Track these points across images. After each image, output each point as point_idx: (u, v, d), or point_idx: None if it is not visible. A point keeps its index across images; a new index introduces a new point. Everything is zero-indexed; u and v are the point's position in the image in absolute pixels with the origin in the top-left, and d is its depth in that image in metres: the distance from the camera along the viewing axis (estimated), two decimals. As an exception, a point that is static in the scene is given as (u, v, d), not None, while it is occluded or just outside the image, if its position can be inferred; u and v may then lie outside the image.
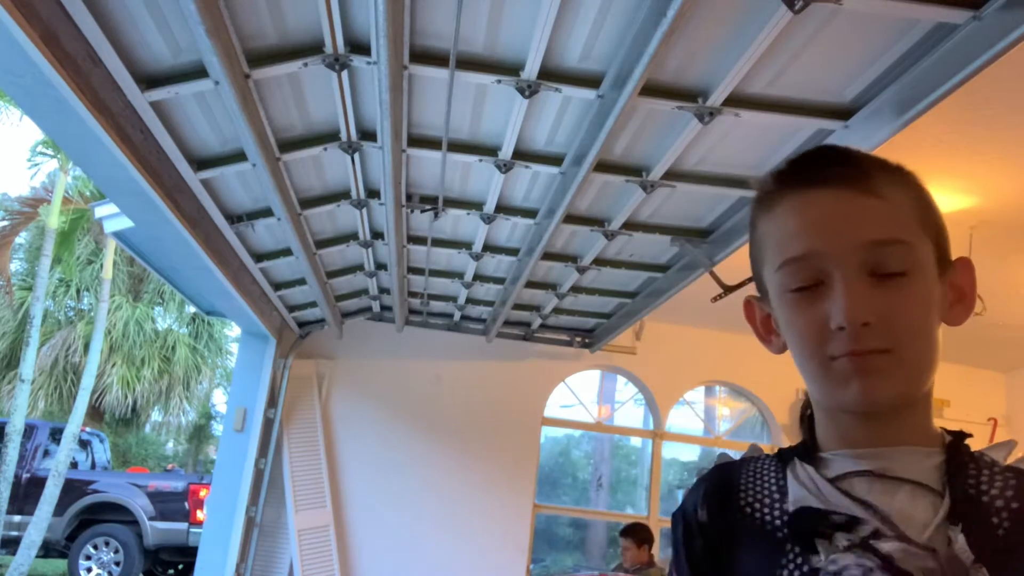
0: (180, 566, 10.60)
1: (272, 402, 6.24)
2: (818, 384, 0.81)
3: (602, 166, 3.32)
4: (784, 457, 0.89)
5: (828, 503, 0.80)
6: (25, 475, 10.08)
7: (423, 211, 4.06)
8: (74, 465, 10.55)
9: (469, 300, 5.92)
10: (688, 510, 0.92)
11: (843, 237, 0.78)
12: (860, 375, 0.77)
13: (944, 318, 0.82)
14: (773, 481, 0.87)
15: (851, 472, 0.81)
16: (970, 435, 0.83)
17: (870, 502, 0.78)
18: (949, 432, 0.84)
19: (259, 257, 4.78)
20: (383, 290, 5.90)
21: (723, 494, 0.90)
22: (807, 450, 0.87)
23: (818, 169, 0.82)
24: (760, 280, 0.88)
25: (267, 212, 4.05)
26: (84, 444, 11.35)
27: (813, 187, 0.81)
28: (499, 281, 5.36)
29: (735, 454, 0.99)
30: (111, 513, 9.87)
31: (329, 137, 3.41)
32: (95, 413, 15.55)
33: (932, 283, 0.80)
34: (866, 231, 0.78)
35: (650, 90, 2.72)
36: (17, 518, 9.78)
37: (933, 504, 0.77)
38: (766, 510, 0.85)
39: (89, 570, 9.62)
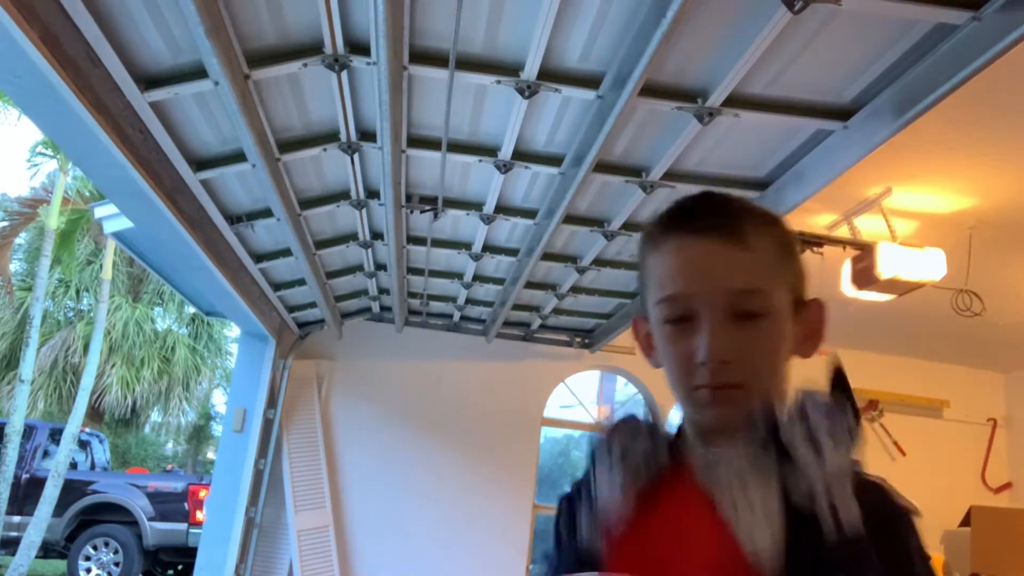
0: (180, 567, 10.60)
1: (272, 403, 6.23)
2: (683, 404, 0.95)
3: (602, 166, 3.32)
4: None
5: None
6: (25, 476, 10.08)
7: (423, 211, 4.05)
8: (74, 466, 10.55)
9: (469, 300, 5.92)
10: (572, 497, 0.99)
11: (711, 284, 0.90)
12: (716, 404, 0.90)
13: (796, 351, 0.95)
14: None
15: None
16: None
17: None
18: None
19: (259, 257, 4.77)
20: (383, 290, 5.90)
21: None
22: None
23: (698, 218, 0.95)
24: (644, 305, 1.00)
25: (267, 212, 4.04)
26: (83, 445, 11.35)
27: (692, 235, 0.93)
28: (499, 282, 5.35)
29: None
30: (111, 514, 9.87)
31: (329, 137, 3.41)
32: (95, 414, 15.54)
33: (785, 323, 0.92)
34: (731, 280, 0.90)
35: (650, 91, 2.71)
36: (17, 519, 9.78)
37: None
38: None
39: (88, 570, 9.62)
